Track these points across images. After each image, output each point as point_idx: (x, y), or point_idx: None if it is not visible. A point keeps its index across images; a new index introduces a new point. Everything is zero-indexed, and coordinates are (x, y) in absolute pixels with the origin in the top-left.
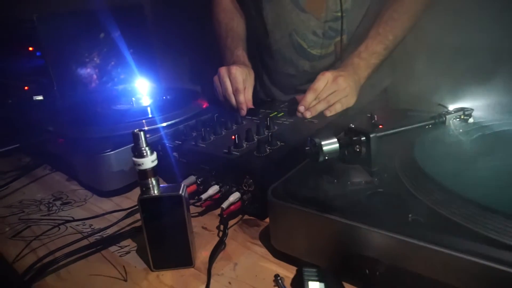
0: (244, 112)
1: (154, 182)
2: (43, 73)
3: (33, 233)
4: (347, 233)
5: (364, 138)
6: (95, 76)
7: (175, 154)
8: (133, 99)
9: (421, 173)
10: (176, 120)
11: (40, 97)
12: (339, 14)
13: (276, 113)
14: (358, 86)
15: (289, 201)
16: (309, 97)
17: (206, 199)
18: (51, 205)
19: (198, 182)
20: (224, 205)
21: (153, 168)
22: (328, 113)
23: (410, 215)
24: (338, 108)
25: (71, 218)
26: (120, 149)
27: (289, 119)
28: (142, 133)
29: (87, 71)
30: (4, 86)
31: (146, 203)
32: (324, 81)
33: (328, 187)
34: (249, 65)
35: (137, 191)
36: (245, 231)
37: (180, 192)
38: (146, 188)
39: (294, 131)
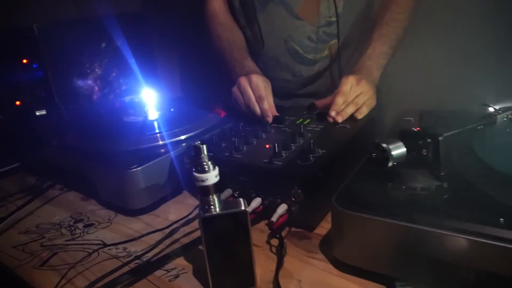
0: (270, 119)
1: (216, 199)
2: (39, 86)
3: (63, 260)
4: (430, 241)
5: (431, 140)
6: (96, 88)
7: None
8: (146, 110)
9: (498, 175)
10: (198, 131)
11: (43, 112)
12: (332, 19)
13: (301, 120)
14: (375, 87)
15: (359, 210)
16: (339, 100)
17: (250, 213)
18: (73, 228)
19: (236, 195)
20: (274, 218)
21: (217, 183)
22: (359, 116)
23: (501, 219)
24: (365, 110)
25: (100, 242)
26: (147, 164)
27: (319, 125)
28: (204, 146)
29: (88, 83)
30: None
31: (209, 222)
32: (349, 84)
33: (397, 194)
34: (262, 73)
35: (164, 209)
36: (296, 244)
37: (243, 207)
38: (208, 206)
39: (329, 138)
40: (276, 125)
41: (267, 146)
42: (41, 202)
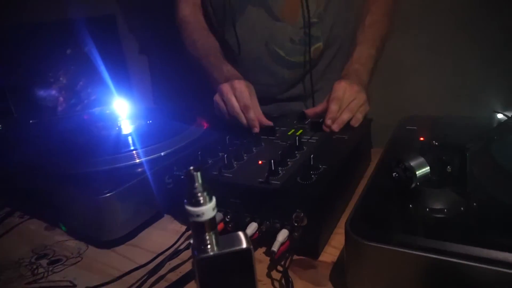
0: (257, 129)
1: (214, 236)
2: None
3: None
4: (465, 274)
5: (458, 155)
6: (61, 99)
7: None
8: (119, 124)
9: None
10: (180, 145)
11: None
12: (314, 19)
13: (293, 130)
14: (367, 92)
15: (380, 240)
16: (334, 107)
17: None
18: (34, 266)
19: (227, 219)
20: (275, 247)
21: (215, 216)
22: (356, 123)
23: None
24: (360, 117)
25: (69, 284)
26: (122, 188)
27: (314, 136)
28: (199, 173)
29: (52, 93)
30: None
31: (205, 264)
32: (342, 89)
33: (421, 217)
34: (243, 77)
35: (144, 237)
36: (301, 276)
37: (245, 244)
38: (203, 245)
39: (328, 150)
40: (266, 137)
41: (260, 162)
42: None
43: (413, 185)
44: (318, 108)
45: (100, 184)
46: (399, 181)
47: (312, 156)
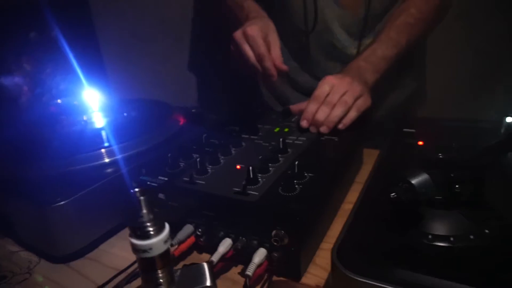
0: (275, 77)
1: (166, 274)
2: None
3: None
4: None
5: (471, 173)
6: (26, 88)
7: (161, 195)
8: (84, 117)
9: None
10: (148, 145)
11: None
12: (377, 11)
13: (278, 128)
14: (368, 88)
15: (374, 276)
16: (311, 107)
17: (218, 261)
18: None
19: (198, 233)
20: (250, 271)
21: (166, 251)
22: (346, 122)
23: None
24: (353, 115)
25: None
26: (78, 195)
27: (301, 137)
28: (144, 197)
29: (14, 81)
30: None
31: None
32: (325, 86)
33: (423, 247)
34: (264, 14)
35: (106, 249)
36: None
37: (209, 282)
38: (155, 285)
39: (316, 155)
40: (247, 136)
41: (238, 166)
42: None
43: (416, 207)
44: (303, 104)
45: (52, 190)
46: (398, 203)
47: (297, 163)
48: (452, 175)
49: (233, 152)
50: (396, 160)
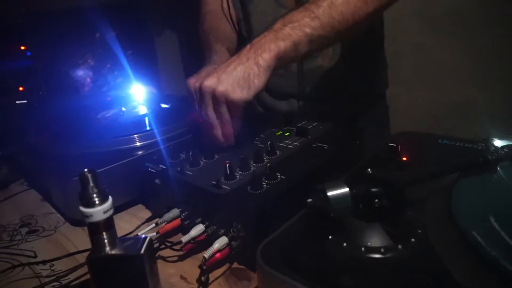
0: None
1: (107, 237)
2: (33, 74)
3: None
4: None
5: (385, 189)
6: (88, 80)
7: (157, 181)
8: (123, 108)
9: (467, 245)
10: (168, 135)
11: (23, 101)
12: None
13: (281, 132)
14: (254, 68)
15: (282, 270)
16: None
17: (187, 242)
18: (15, 233)
19: (183, 216)
20: (207, 254)
21: (107, 219)
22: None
23: None
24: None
25: (32, 255)
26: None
27: (296, 141)
28: (91, 175)
29: (79, 74)
30: None
31: (98, 263)
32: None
33: (335, 252)
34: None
35: (116, 221)
36: (232, 286)
37: (142, 251)
38: (97, 245)
39: (300, 159)
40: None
41: (226, 162)
42: (2, 197)
43: (331, 214)
44: None
45: (76, 166)
46: (314, 209)
47: (268, 164)
48: (373, 190)
49: (228, 149)
50: (367, 171)
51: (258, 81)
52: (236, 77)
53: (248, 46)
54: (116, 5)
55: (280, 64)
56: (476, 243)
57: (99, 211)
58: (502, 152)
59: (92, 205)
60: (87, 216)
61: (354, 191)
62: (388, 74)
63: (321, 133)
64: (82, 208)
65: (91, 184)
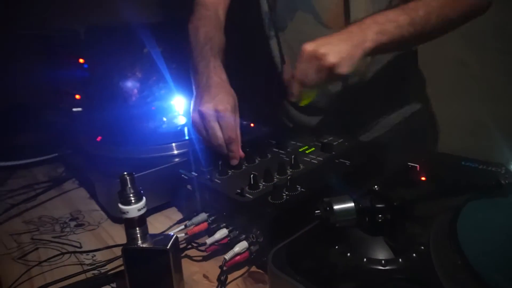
0: (237, 161)
1: (140, 232)
2: (88, 84)
3: (38, 257)
4: None
5: (385, 206)
6: (135, 91)
7: (189, 187)
8: (164, 119)
9: (465, 267)
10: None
11: (79, 109)
12: None
13: (306, 147)
14: (358, 50)
15: (290, 274)
16: (295, 87)
17: (211, 244)
18: (65, 225)
19: (209, 221)
20: (228, 256)
21: (140, 216)
22: (293, 98)
23: None
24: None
25: (78, 245)
26: (137, 175)
27: (320, 156)
28: (129, 177)
29: (128, 85)
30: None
31: (130, 254)
32: (305, 55)
33: (339, 262)
34: (227, 81)
35: (150, 220)
36: (248, 287)
37: (168, 246)
38: (131, 238)
39: (321, 173)
40: (277, 150)
41: (252, 173)
42: (56, 193)
43: (337, 225)
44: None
45: (119, 169)
46: (320, 220)
47: (289, 177)
48: (378, 206)
49: (256, 161)
50: (385, 189)
51: (358, 63)
52: (347, 54)
53: (356, 28)
54: (162, 23)
55: (374, 53)
56: (476, 267)
57: (134, 208)
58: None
59: (129, 203)
60: (123, 212)
61: (360, 205)
62: (427, 89)
63: (345, 149)
64: (120, 205)
65: (129, 185)
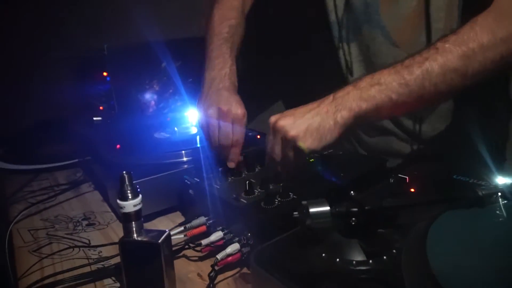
0: (234, 165)
1: (135, 226)
2: (110, 96)
3: (51, 250)
4: None
5: (357, 210)
6: (153, 102)
7: (191, 191)
8: (176, 128)
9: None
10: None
11: (99, 118)
12: None
13: (313, 160)
14: (328, 122)
15: (270, 271)
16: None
17: (206, 245)
18: (78, 224)
19: (208, 224)
20: (219, 255)
21: (136, 212)
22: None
23: None
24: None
25: (87, 242)
26: (142, 180)
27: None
28: (127, 176)
29: (146, 97)
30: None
31: (126, 246)
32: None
33: (315, 262)
34: (237, 86)
35: (155, 223)
36: (238, 286)
37: (160, 240)
38: (127, 231)
39: (315, 182)
40: None
41: (248, 180)
42: (74, 195)
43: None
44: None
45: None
46: (298, 222)
47: (281, 184)
48: (352, 210)
49: (256, 169)
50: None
51: (330, 137)
52: (311, 126)
53: (331, 97)
54: (179, 40)
55: (358, 124)
56: (438, 278)
57: (130, 204)
58: (496, 189)
59: (126, 199)
60: (121, 207)
61: (337, 209)
62: None
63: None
64: (118, 201)
65: (127, 183)
